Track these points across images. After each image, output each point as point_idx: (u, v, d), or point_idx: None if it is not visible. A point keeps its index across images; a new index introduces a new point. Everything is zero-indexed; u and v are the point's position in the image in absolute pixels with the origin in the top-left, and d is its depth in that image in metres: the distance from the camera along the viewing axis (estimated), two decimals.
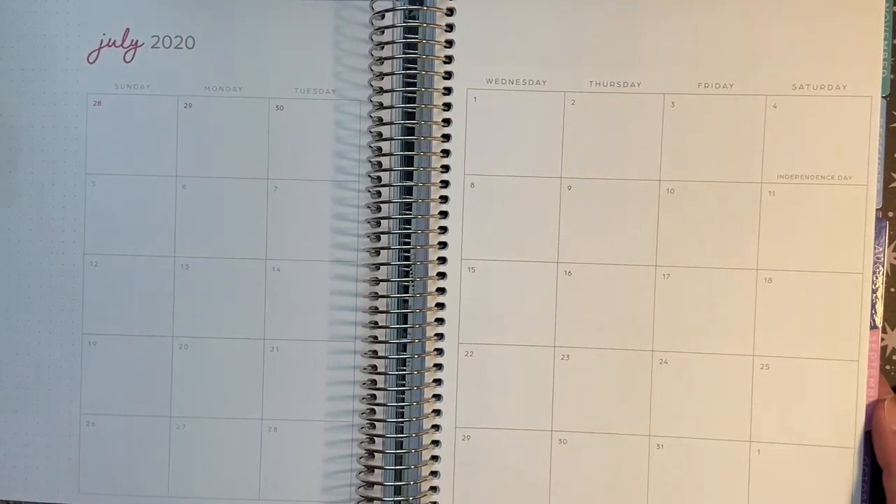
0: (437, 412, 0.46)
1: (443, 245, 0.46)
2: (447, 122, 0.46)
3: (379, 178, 0.46)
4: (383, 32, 0.45)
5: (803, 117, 0.44)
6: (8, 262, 0.47)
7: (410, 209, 0.46)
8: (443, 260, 0.46)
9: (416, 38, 0.45)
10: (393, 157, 0.45)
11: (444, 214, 0.46)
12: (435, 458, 0.46)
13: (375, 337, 0.46)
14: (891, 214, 0.46)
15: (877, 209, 0.44)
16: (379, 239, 0.46)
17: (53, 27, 0.47)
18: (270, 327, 0.46)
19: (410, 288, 0.45)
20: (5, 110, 0.45)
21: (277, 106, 0.46)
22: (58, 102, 0.47)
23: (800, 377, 0.44)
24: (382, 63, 0.45)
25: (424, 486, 0.46)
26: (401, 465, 0.45)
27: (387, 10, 0.45)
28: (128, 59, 0.47)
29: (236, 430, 0.46)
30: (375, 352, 0.46)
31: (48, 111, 0.47)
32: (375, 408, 0.46)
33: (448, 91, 0.46)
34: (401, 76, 0.45)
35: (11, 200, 0.47)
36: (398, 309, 0.46)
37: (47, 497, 0.47)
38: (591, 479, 0.45)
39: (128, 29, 0.47)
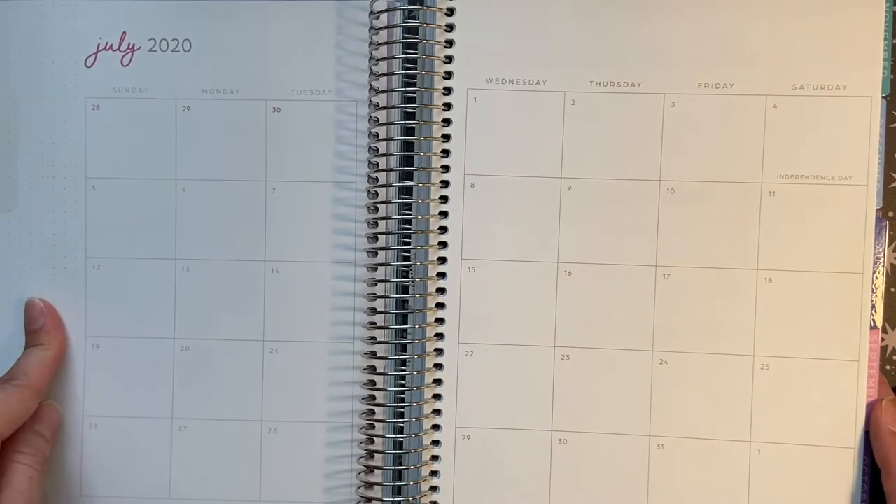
0: (437, 412, 0.46)
1: (443, 245, 0.46)
2: (447, 122, 0.46)
3: (377, 179, 0.46)
4: (380, 33, 0.45)
5: (803, 117, 0.44)
6: (10, 266, 0.47)
7: (410, 209, 0.46)
8: (443, 260, 0.46)
9: (416, 39, 0.45)
10: (393, 157, 0.45)
11: (444, 214, 0.46)
12: (435, 458, 0.46)
13: (375, 337, 0.46)
14: (891, 214, 0.46)
15: (877, 209, 0.44)
16: (378, 239, 0.46)
17: (50, 32, 0.47)
18: (270, 329, 0.46)
19: (410, 288, 0.45)
20: (4, 116, 0.45)
21: (274, 108, 0.46)
22: (56, 107, 0.47)
23: (800, 377, 0.44)
24: (381, 64, 0.45)
25: (424, 486, 0.46)
26: (401, 465, 0.45)
27: (386, 10, 0.45)
28: (125, 63, 0.47)
29: (237, 432, 0.47)
30: (375, 352, 0.46)
31: (47, 116, 0.47)
32: (375, 408, 0.46)
33: (448, 91, 0.46)
34: (401, 76, 0.45)
35: (12, 205, 0.47)
36: (398, 309, 0.46)
37: (50, 498, 0.47)
38: (591, 479, 0.45)
39: (124, 32, 0.47)
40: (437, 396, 0.46)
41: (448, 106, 0.46)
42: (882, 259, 0.45)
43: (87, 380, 0.47)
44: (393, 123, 0.45)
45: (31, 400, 0.44)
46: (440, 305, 0.46)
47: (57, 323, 0.46)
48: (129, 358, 0.47)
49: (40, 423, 0.45)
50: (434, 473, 0.46)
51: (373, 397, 0.46)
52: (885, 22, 0.44)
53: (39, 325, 0.46)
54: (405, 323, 0.45)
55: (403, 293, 0.46)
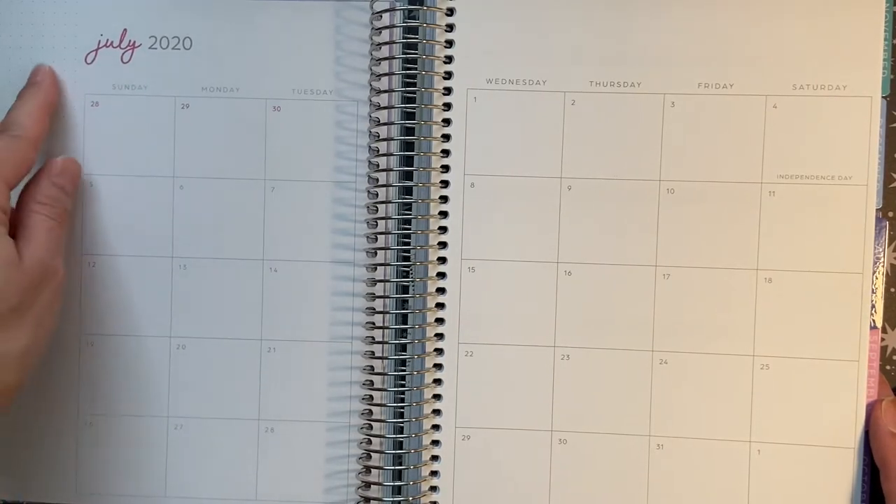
0: (437, 412, 0.46)
1: (443, 245, 0.46)
2: (447, 122, 0.46)
3: (377, 179, 0.46)
4: (380, 33, 0.45)
5: (803, 117, 0.44)
6: None
7: (410, 209, 0.46)
8: (443, 260, 0.46)
9: (416, 39, 0.45)
10: (393, 157, 0.45)
11: (444, 214, 0.46)
12: (435, 458, 0.46)
13: (374, 337, 0.46)
14: (891, 214, 0.46)
15: (877, 209, 0.44)
16: (378, 240, 0.46)
17: (51, 28, 0.47)
18: (268, 328, 0.46)
19: (410, 288, 0.45)
20: (3, 111, 0.45)
21: (274, 107, 0.46)
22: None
23: (800, 377, 0.44)
24: (381, 64, 0.45)
25: (424, 486, 0.46)
26: (400, 465, 0.45)
27: (387, 11, 0.45)
28: (125, 60, 0.47)
29: (233, 431, 0.46)
30: (374, 352, 0.46)
31: None
32: (375, 408, 0.46)
33: (448, 91, 0.46)
34: (401, 76, 0.45)
35: (10, 201, 0.47)
36: (398, 309, 0.45)
37: (46, 497, 0.47)
38: (591, 479, 0.45)
39: (125, 30, 0.47)
40: (437, 396, 0.46)
41: (448, 106, 0.46)
42: (882, 259, 0.45)
43: (83, 377, 0.47)
44: (393, 123, 0.45)
45: (28, 150, 0.43)
46: (440, 305, 0.46)
47: (53, 77, 0.46)
48: (124, 356, 0.47)
49: (61, 175, 0.45)
50: (434, 473, 0.46)
51: (372, 397, 0.46)
52: (885, 22, 0.44)
53: (38, 79, 0.46)
54: (405, 323, 0.45)
55: (403, 293, 0.46)
